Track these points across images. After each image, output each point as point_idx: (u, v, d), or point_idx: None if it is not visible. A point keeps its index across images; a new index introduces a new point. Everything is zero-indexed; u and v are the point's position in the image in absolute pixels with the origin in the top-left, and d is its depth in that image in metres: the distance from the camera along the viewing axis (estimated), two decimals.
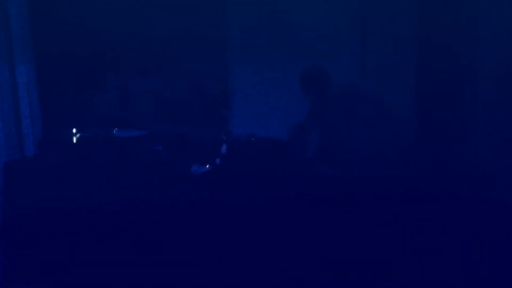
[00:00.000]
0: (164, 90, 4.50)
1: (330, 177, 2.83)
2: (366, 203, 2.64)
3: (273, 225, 2.68)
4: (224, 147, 2.88)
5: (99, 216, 2.86)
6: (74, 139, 3.28)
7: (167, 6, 4.34)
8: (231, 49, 4.45)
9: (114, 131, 3.35)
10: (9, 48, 3.37)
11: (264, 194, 2.70)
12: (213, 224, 2.70)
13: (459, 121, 3.54)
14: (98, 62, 4.23)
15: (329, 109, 3.38)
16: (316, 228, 2.63)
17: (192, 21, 4.38)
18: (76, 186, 2.95)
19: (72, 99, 3.89)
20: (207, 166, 2.83)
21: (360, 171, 2.86)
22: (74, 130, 3.29)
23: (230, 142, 2.95)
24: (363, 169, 2.88)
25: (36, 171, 3.12)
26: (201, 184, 2.78)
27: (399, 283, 2.65)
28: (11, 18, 3.36)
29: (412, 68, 3.77)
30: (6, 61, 3.33)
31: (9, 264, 3.03)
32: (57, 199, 2.97)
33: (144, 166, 2.95)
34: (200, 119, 3.78)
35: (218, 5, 4.46)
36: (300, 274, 2.68)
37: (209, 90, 4.36)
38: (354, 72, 3.69)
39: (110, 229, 2.84)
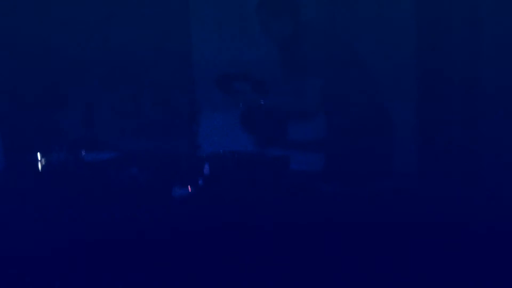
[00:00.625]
0: (132, 106, 4.33)
1: (322, 194, 2.66)
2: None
3: (263, 249, 2.47)
4: (206, 166, 2.67)
5: (71, 249, 2.61)
6: (40, 166, 3.04)
7: (131, 20, 4.19)
8: (197, 62, 4.31)
9: (83, 154, 3.13)
10: None
11: (253, 215, 2.49)
12: (198, 251, 2.49)
13: None
14: (61, 79, 4.04)
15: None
16: (309, 254, 2.43)
17: (158, 35, 4.24)
18: (44, 217, 2.71)
19: (35, 121, 3.67)
20: (189, 188, 2.61)
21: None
22: (38, 155, 3.05)
23: (211, 160, 2.74)
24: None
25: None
26: (183, 208, 2.56)
27: None
28: None
29: None
30: None
31: None
32: (23, 233, 2.72)
33: (119, 191, 2.71)
34: (172, 136, 3.58)
35: (183, 20, 4.32)
36: None
37: (178, 104, 4.19)
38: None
39: (82, 263, 2.59)
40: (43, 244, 2.59)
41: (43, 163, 3.03)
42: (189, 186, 2.61)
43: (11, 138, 3.34)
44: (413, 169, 3.85)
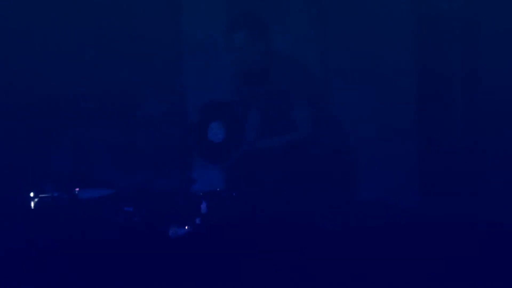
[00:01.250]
0: (124, 140, 4.27)
1: (324, 232, 2.61)
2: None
3: None
4: (204, 205, 2.62)
5: None
6: (32, 204, 2.97)
7: (123, 55, 4.16)
8: (190, 93, 4.29)
9: (77, 192, 3.06)
10: None
11: (253, 257, 2.44)
12: None
13: None
14: (52, 114, 3.98)
15: None
16: None
17: (151, 70, 4.22)
18: (38, 259, 2.63)
19: (26, 157, 3.61)
20: (186, 228, 2.56)
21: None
22: (31, 194, 2.99)
23: (209, 198, 2.69)
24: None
25: None
26: (181, 249, 2.50)
27: None
28: None
29: None
30: None
31: None
32: (16, 278, 2.64)
33: (114, 231, 2.65)
34: (166, 170, 3.54)
35: (175, 54, 4.31)
36: None
37: (172, 137, 4.15)
38: None
39: None
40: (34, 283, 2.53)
41: (35, 200, 2.97)
42: (185, 225, 2.56)
43: (2, 175, 3.29)
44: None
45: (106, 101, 4.21)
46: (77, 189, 3.08)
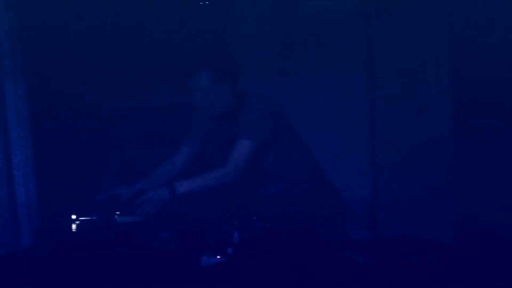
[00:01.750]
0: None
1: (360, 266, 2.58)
2: None
3: None
4: (236, 235, 2.62)
5: None
6: (74, 227, 3.04)
7: (167, 75, 4.21)
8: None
9: (116, 216, 3.11)
10: (4, 131, 3.15)
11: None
12: None
13: None
14: (98, 139, 4.07)
15: None
16: None
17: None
18: (77, 279, 2.69)
19: (71, 181, 3.69)
20: (218, 257, 2.57)
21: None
22: (73, 217, 3.06)
23: (243, 228, 2.70)
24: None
25: (33, 264, 2.87)
26: (211, 278, 2.51)
27: None
28: (7, 102, 3.15)
29: None
30: (1, 147, 3.11)
31: None
32: None
33: (147, 257, 2.68)
34: (203, 197, 3.52)
35: None
36: None
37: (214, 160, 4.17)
38: None
39: None
40: None
41: (76, 223, 3.03)
42: (217, 255, 2.57)
43: (46, 197, 3.37)
44: None
45: (153, 123, 4.28)
46: (117, 213, 3.14)
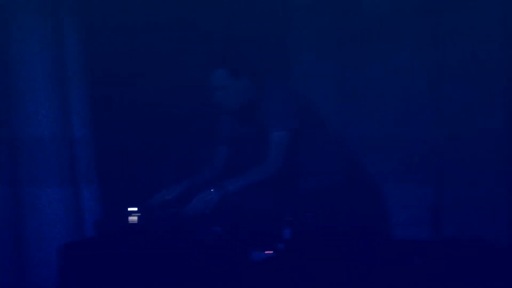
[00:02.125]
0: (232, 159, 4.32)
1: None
2: None
3: None
4: (287, 231, 2.64)
5: None
6: (134, 219, 3.13)
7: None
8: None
9: (175, 210, 3.19)
10: (69, 133, 3.28)
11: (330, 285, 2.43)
12: None
13: None
14: (161, 135, 4.16)
15: None
16: None
17: None
18: (135, 268, 2.79)
19: (131, 176, 3.80)
20: (268, 252, 2.60)
21: None
22: (133, 209, 3.16)
23: (295, 224, 2.71)
24: None
25: (95, 253, 2.99)
26: (260, 273, 2.54)
27: None
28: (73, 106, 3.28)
29: None
30: (68, 146, 3.25)
31: None
32: (116, 283, 2.82)
33: (199, 250, 2.74)
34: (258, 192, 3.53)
35: None
36: None
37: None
38: None
39: None
40: None
41: (137, 215, 3.12)
42: (268, 250, 2.59)
43: (111, 192, 3.48)
44: None
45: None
46: (176, 206, 3.22)
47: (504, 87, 3.80)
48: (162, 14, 4.08)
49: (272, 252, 2.61)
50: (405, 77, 4.05)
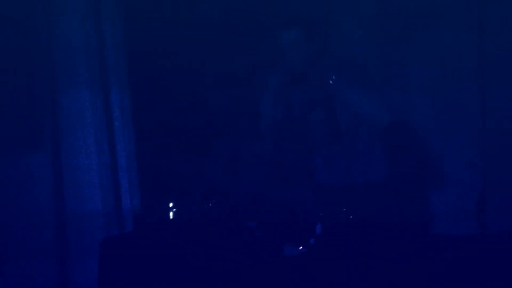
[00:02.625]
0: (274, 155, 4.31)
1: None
2: None
3: None
4: (319, 226, 2.61)
5: None
6: (172, 214, 3.17)
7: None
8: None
9: (211, 205, 3.20)
10: (109, 129, 3.35)
11: (362, 281, 2.40)
12: None
13: None
14: (204, 129, 4.16)
15: None
16: None
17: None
18: (173, 264, 2.82)
19: (174, 171, 3.82)
20: (300, 248, 2.58)
21: None
22: (171, 204, 3.19)
23: (327, 219, 2.68)
24: None
25: (134, 248, 3.03)
26: (292, 268, 2.53)
27: None
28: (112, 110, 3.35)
29: None
30: (106, 142, 3.31)
31: None
32: (154, 277, 2.86)
33: (235, 244, 2.75)
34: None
35: None
36: None
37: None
38: None
39: None
40: None
41: (173, 211, 3.15)
42: (300, 245, 2.57)
43: (149, 185, 3.52)
44: None
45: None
46: (213, 201, 3.23)
47: None
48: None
49: (304, 248, 2.58)
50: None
